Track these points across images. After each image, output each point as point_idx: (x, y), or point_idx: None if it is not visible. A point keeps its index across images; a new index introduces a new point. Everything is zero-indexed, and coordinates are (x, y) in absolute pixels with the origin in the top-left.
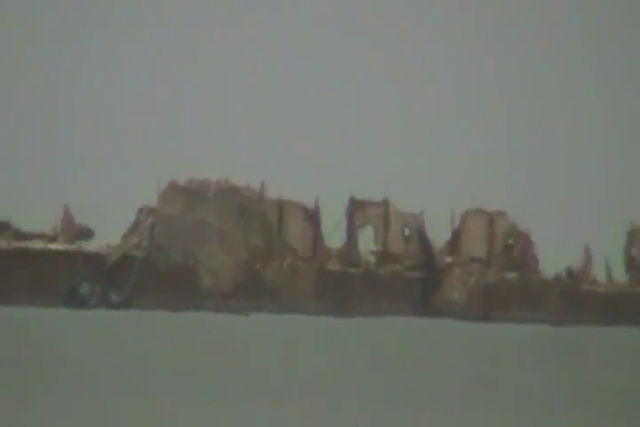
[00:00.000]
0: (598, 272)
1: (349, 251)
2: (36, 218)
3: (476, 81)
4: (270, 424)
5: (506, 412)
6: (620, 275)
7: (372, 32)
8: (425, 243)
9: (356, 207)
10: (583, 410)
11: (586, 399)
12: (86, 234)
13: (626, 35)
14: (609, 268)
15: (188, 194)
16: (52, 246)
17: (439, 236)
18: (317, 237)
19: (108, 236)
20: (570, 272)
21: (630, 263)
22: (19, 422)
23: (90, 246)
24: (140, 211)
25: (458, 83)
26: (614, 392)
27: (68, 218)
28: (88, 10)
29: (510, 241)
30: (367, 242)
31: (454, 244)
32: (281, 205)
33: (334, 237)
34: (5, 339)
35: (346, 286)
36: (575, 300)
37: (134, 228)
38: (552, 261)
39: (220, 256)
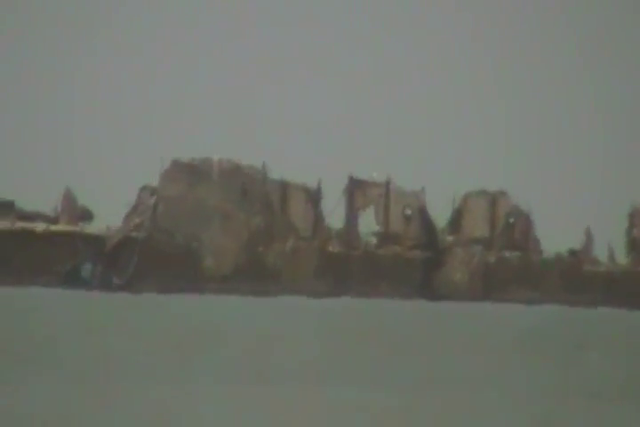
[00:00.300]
0: (600, 254)
1: (349, 232)
2: (39, 199)
3: (479, 63)
4: (270, 406)
5: (506, 394)
6: (622, 257)
7: (371, 23)
8: (427, 223)
9: (356, 187)
10: (583, 392)
11: (585, 380)
12: (87, 216)
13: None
14: (611, 249)
15: (190, 173)
16: (54, 228)
17: (441, 216)
18: (318, 217)
19: (110, 217)
20: (572, 252)
21: (632, 245)
22: (15, 403)
23: (91, 228)
24: (142, 189)
25: (460, 65)
26: (614, 374)
27: (69, 199)
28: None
29: (511, 220)
30: (368, 222)
31: (455, 224)
32: (283, 186)
33: (335, 218)
34: (6, 319)
35: (346, 267)
36: (576, 280)
37: (136, 208)
38: (553, 242)
39: (222, 237)
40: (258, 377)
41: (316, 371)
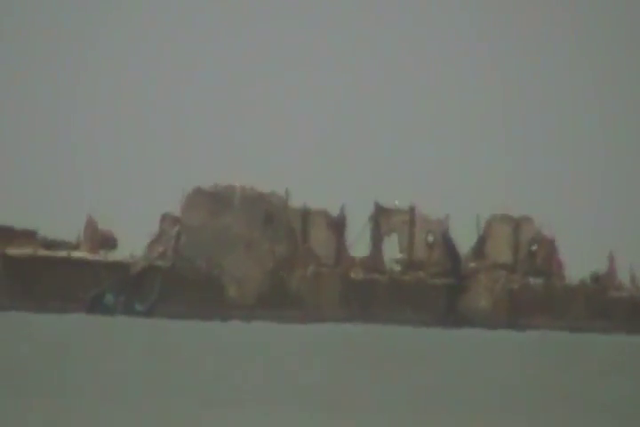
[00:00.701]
0: (623, 278)
1: (374, 258)
2: (62, 227)
3: (507, 90)
4: None
5: (530, 421)
6: None
7: (390, 34)
8: (451, 249)
9: (380, 214)
10: (608, 418)
11: (611, 406)
12: (110, 243)
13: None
14: (632, 273)
15: (213, 201)
16: (76, 255)
17: (464, 242)
18: (341, 244)
19: (132, 245)
20: (595, 278)
21: None
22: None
23: (115, 256)
24: (164, 218)
25: (488, 92)
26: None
27: (91, 226)
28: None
29: (534, 247)
30: (392, 249)
31: (479, 250)
32: (305, 213)
33: (359, 245)
34: (29, 345)
35: (370, 294)
36: (600, 306)
37: (159, 236)
38: (577, 267)
39: (245, 265)
40: (278, 402)
41: (337, 396)
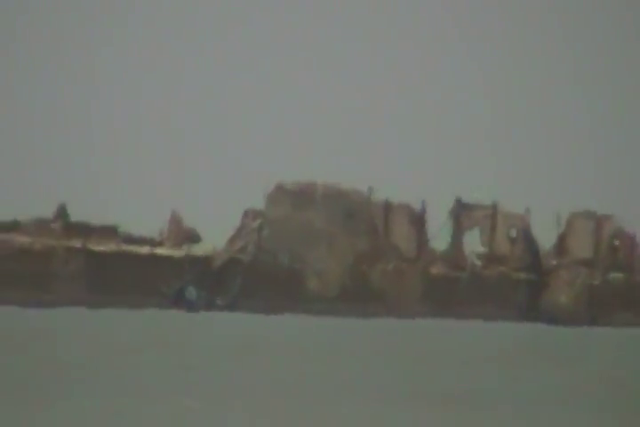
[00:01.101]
0: None
1: (455, 253)
2: (146, 222)
3: (591, 84)
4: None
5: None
6: None
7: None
8: (531, 245)
9: (462, 209)
10: None
11: None
12: (194, 238)
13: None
14: None
15: (295, 197)
16: (159, 251)
17: (545, 237)
18: (422, 239)
19: (214, 239)
20: None
21: None
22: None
23: (198, 250)
24: (246, 214)
25: (570, 86)
26: None
27: (175, 222)
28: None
29: (617, 242)
30: (472, 244)
31: (560, 246)
32: (387, 208)
33: (440, 240)
34: (112, 340)
35: (451, 289)
36: None
37: (240, 231)
38: None
39: (326, 259)
40: (360, 394)
41: (421, 390)
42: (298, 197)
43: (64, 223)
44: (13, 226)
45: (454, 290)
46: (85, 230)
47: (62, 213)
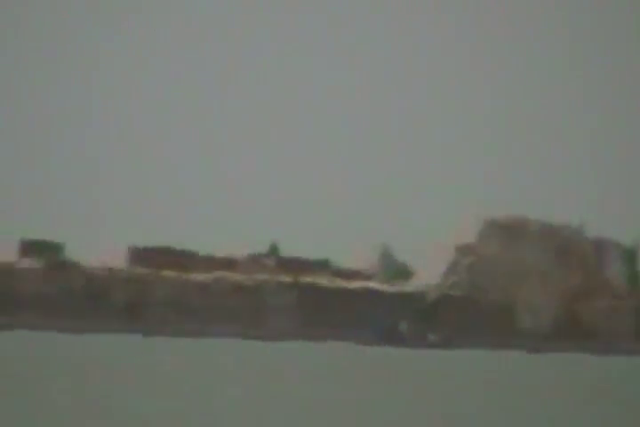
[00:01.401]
0: None
1: None
2: (355, 256)
3: None
4: None
5: None
6: None
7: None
8: None
9: None
10: None
11: None
12: (405, 273)
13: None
14: None
15: (506, 232)
16: (371, 285)
17: None
18: (634, 275)
19: (425, 275)
20: None
21: None
22: None
23: (409, 286)
24: (458, 248)
25: None
26: None
27: (386, 256)
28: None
29: None
30: None
31: None
32: (599, 244)
33: None
34: (321, 372)
35: None
36: None
37: (453, 266)
38: None
39: (538, 295)
40: None
41: None
42: (509, 232)
43: (276, 259)
44: (229, 263)
45: None
46: (299, 264)
47: (274, 249)
